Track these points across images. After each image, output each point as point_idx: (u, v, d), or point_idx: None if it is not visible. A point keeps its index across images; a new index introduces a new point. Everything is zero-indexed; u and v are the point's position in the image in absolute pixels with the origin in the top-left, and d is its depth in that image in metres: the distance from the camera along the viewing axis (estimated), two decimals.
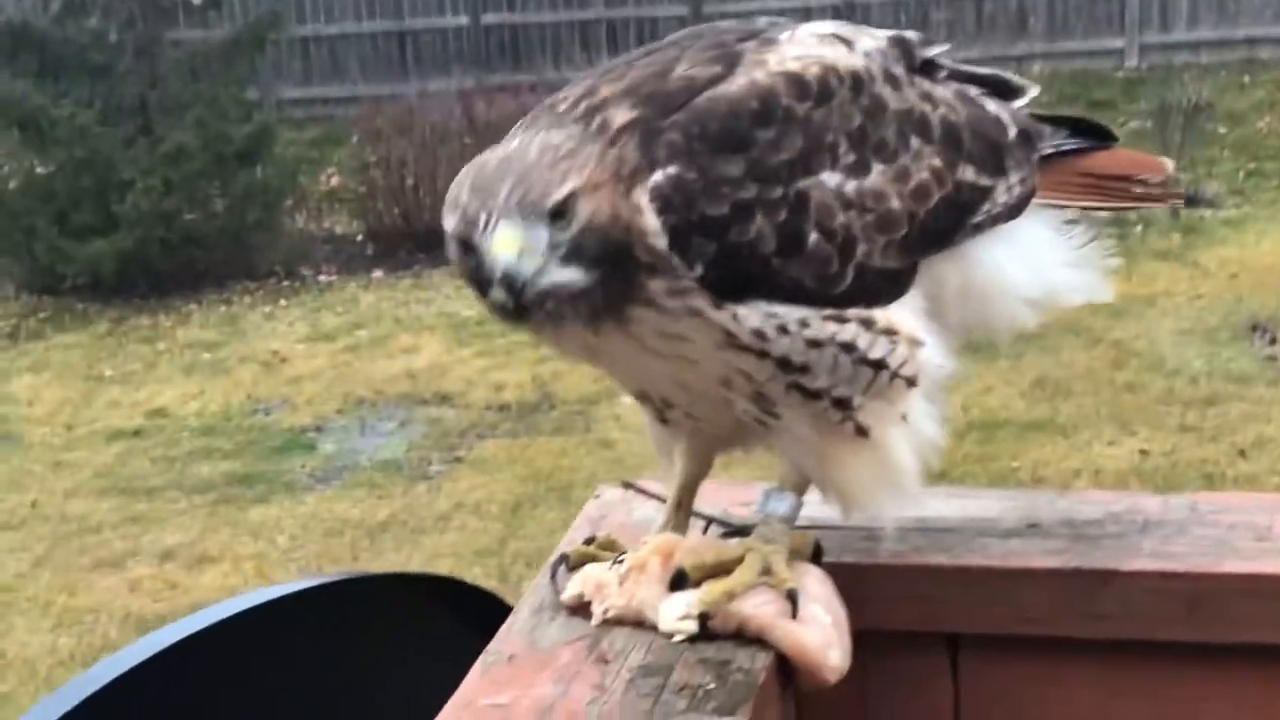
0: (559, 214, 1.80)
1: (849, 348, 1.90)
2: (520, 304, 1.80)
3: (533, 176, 1.82)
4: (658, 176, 1.82)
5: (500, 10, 19.88)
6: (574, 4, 19.66)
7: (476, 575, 8.53)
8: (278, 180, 16.18)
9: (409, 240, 15.99)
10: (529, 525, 9.12)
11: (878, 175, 1.93)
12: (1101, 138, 2.27)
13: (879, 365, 1.92)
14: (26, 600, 8.89)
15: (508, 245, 1.80)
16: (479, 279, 1.83)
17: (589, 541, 2.14)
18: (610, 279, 1.82)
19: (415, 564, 8.78)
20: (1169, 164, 2.28)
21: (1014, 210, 2.09)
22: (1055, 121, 2.22)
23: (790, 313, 1.86)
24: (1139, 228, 13.75)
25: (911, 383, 1.96)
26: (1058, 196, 2.17)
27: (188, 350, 13.56)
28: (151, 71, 16.01)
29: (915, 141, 1.98)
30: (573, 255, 1.81)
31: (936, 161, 1.99)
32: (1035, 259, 2.13)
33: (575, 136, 1.86)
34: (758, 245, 1.83)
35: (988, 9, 19.13)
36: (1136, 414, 9.64)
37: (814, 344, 1.87)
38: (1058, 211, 2.17)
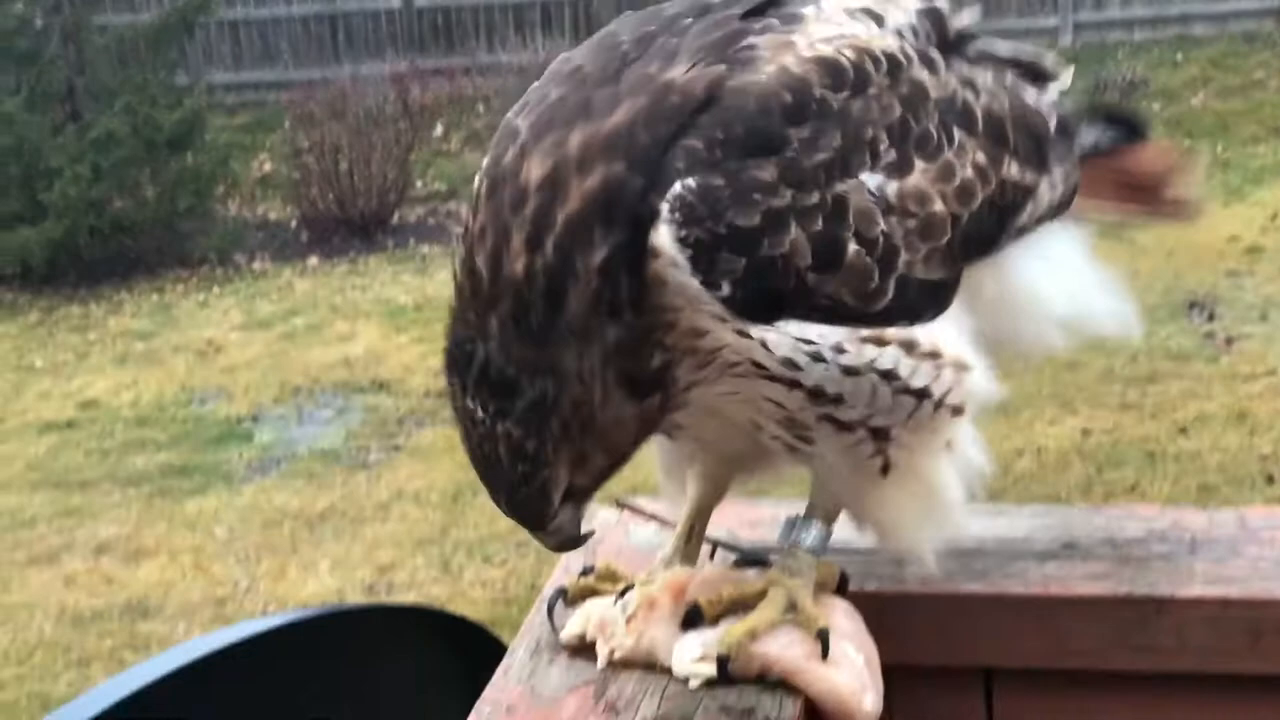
0: None
1: (889, 376, 1.70)
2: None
3: None
4: (676, 188, 1.61)
5: None
6: None
7: (418, 565, 8.44)
8: (209, 166, 16.00)
9: (344, 226, 15.84)
10: (470, 513, 9.01)
11: (920, 174, 1.73)
12: (1134, 130, 2.11)
13: (922, 394, 1.74)
14: None
15: None
16: None
17: (586, 571, 1.93)
18: None
19: (355, 553, 8.68)
20: (1196, 161, 2.16)
21: (1057, 210, 1.94)
22: (1087, 110, 2.08)
23: (825, 337, 1.66)
24: None
25: (957, 411, 1.79)
26: (1094, 201, 2.03)
27: (120, 340, 13.37)
28: (79, 57, 15.78)
29: (958, 134, 1.79)
30: None
31: (981, 157, 1.80)
32: (1072, 277, 1.99)
33: None
34: (792, 259, 1.63)
35: None
36: (1078, 393, 9.64)
37: (850, 372, 1.68)
38: (1090, 227, 2.04)
